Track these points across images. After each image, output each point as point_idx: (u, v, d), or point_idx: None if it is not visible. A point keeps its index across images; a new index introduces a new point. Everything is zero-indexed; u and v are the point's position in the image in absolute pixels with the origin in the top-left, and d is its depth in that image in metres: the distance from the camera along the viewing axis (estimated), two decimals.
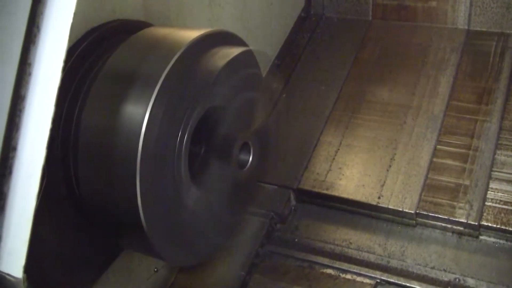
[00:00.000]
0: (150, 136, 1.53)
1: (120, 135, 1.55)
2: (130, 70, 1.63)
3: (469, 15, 3.23)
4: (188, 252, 1.84)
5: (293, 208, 2.69)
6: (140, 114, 1.53)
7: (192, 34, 1.69)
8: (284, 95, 3.11)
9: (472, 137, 2.71)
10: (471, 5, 3.21)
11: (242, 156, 1.92)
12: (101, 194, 1.65)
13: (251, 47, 1.94)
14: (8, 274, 1.09)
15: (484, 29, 3.23)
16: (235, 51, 1.80)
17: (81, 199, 1.70)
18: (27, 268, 1.08)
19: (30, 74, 1.08)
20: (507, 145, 2.66)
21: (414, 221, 2.51)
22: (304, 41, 3.42)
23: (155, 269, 2.32)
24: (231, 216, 1.99)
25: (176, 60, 1.59)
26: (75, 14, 1.05)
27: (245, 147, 1.91)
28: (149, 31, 1.82)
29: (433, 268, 2.36)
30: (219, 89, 1.77)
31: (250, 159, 1.94)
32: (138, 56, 1.67)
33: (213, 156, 1.82)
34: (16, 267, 1.07)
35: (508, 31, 3.17)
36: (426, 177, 2.58)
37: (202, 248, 1.90)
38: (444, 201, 2.49)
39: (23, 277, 1.08)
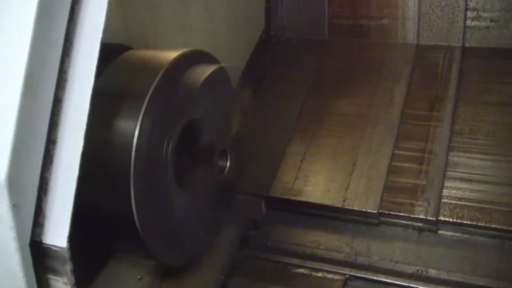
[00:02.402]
0: (141, 147, 1.68)
1: (114, 147, 1.70)
2: (120, 89, 1.78)
3: (418, 31, 3.38)
4: (179, 251, 1.98)
5: (264, 215, 2.80)
6: (132, 128, 1.67)
7: (171, 54, 1.85)
8: (250, 112, 3.21)
9: (426, 141, 2.84)
10: (418, 21, 3.37)
11: (221, 162, 2.07)
12: (98, 201, 1.76)
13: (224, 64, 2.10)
14: (54, 246, 1.27)
15: (432, 43, 3.38)
16: (211, 68, 1.96)
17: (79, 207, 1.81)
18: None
19: (66, 80, 1.29)
20: (458, 147, 2.80)
21: (378, 220, 2.63)
22: (266, 61, 3.53)
23: (139, 277, 2.38)
24: (215, 216, 2.13)
25: (161, 78, 1.74)
26: (104, 30, 1.26)
27: (223, 154, 2.06)
28: (132, 53, 1.97)
29: (397, 262, 2.48)
30: (199, 103, 1.93)
31: (228, 164, 2.09)
32: (126, 76, 1.82)
33: (196, 162, 1.96)
34: (60, 238, 1.26)
35: (454, 44, 3.33)
36: (386, 180, 2.70)
37: (191, 246, 2.04)
38: (404, 200, 2.62)
39: (67, 246, 1.26)
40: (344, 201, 2.68)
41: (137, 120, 1.68)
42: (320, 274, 2.50)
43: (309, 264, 2.55)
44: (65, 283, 1.34)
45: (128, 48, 2.08)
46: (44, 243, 1.33)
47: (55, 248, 1.29)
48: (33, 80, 1.26)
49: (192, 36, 2.68)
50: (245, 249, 2.67)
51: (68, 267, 1.31)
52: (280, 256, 2.60)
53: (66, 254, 1.28)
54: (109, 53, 1.94)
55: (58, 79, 1.31)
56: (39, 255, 1.35)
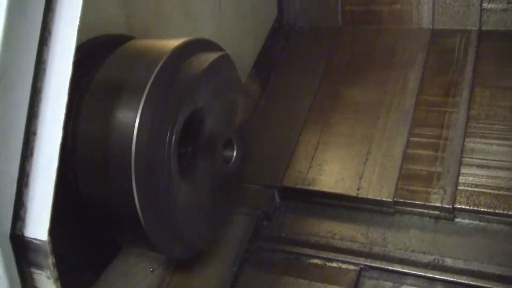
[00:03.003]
0: (142, 139, 1.65)
1: (114, 140, 1.67)
2: (119, 80, 1.74)
3: (433, 15, 3.34)
4: (183, 245, 1.95)
5: (278, 205, 2.78)
6: (132, 119, 1.64)
7: (173, 43, 1.82)
8: (262, 102, 3.20)
9: (441, 127, 2.80)
10: (433, 5, 3.32)
11: (227, 152, 2.04)
12: (99, 195, 1.75)
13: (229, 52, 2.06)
14: (35, 239, 1.25)
15: (447, 27, 3.33)
16: (213, 56, 1.92)
17: (80, 201, 1.78)
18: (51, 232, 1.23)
19: (44, 70, 1.26)
20: (474, 132, 2.76)
21: (393, 209, 2.59)
22: (279, 49, 3.51)
23: (151, 269, 2.39)
24: (220, 210, 2.10)
25: (161, 67, 1.71)
26: (81, 18, 1.23)
27: (229, 144, 2.03)
28: (133, 43, 1.95)
29: (413, 251, 2.44)
30: (202, 92, 1.89)
31: (234, 154, 2.05)
32: (126, 66, 1.79)
33: (200, 153, 1.92)
34: (41, 231, 1.23)
35: (470, 28, 3.29)
36: (401, 167, 2.66)
37: (195, 240, 2.00)
38: (419, 188, 2.58)
39: (48, 239, 1.24)
40: (358, 189, 2.65)
41: (137, 111, 1.65)
42: (334, 264, 2.48)
43: (323, 254, 2.52)
44: (48, 277, 1.32)
45: (130, 38, 2.05)
46: (26, 237, 1.30)
47: (37, 242, 1.26)
48: (8, 70, 1.22)
49: (197, 24, 2.64)
50: (258, 241, 2.64)
51: (50, 260, 1.29)
52: (294, 246, 2.58)
53: (48, 247, 1.26)
54: (110, 44, 1.94)
55: (37, 69, 1.27)
56: (20, 249, 1.33)
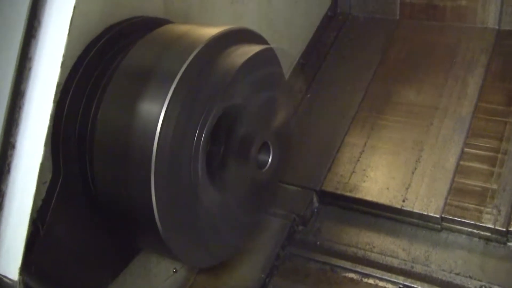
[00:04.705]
0: (166, 135, 1.52)
1: (136, 134, 1.55)
2: (147, 68, 1.62)
3: (500, 14, 3.17)
4: (205, 253, 1.83)
5: (315, 210, 2.68)
6: (156, 113, 1.52)
7: (211, 32, 1.68)
8: (308, 95, 3.10)
9: (501, 140, 2.66)
10: (502, 4, 3.15)
11: (262, 156, 1.90)
12: (116, 193, 1.64)
13: (274, 45, 1.92)
14: (5, 276, 1.08)
15: None
16: (255, 48, 1.78)
17: (97, 198, 1.70)
18: (24, 270, 1.06)
19: (30, 69, 1.06)
20: None
21: (439, 226, 2.47)
22: (330, 40, 3.40)
23: (174, 270, 2.31)
24: (250, 218, 1.97)
25: (194, 57, 1.58)
26: (75, 7, 1.03)
27: (264, 147, 1.89)
28: (168, 28, 1.81)
29: (458, 274, 2.32)
30: (238, 87, 1.74)
31: (270, 159, 1.91)
32: (155, 54, 1.66)
33: (232, 156, 1.79)
34: (12, 269, 1.06)
35: None
36: (453, 181, 2.54)
37: (219, 249, 1.88)
38: (470, 205, 2.45)
39: (19, 279, 1.06)
40: (403, 201, 2.54)
41: (164, 103, 1.52)
42: (371, 281, 2.37)
43: (360, 268, 2.41)
44: None
45: (167, 22, 1.93)
46: None
47: (6, 280, 1.08)
48: None
49: (244, 9, 2.53)
50: (291, 247, 2.54)
51: None
52: (329, 257, 2.48)
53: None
54: (143, 27, 1.83)
55: (20, 67, 1.06)
56: None
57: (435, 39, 3.26)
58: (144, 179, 1.52)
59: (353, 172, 2.69)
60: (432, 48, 3.21)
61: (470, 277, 2.30)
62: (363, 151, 2.76)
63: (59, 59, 1.03)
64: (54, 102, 1.03)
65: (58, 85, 1.08)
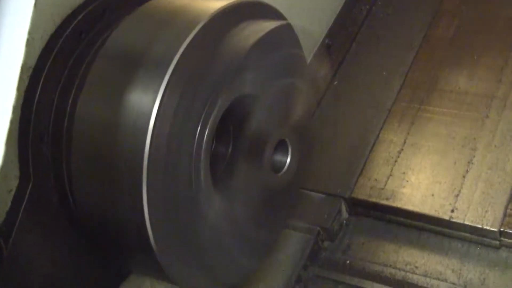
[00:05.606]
0: (161, 133, 1.51)
1: (123, 132, 1.54)
2: (137, 50, 1.61)
3: None
4: (210, 277, 1.83)
5: (344, 222, 2.72)
6: (148, 106, 1.51)
7: (215, 5, 1.67)
8: (335, 82, 3.12)
9: None
10: None
11: (278, 157, 1.91)
12: (99, 205, 1.64)
13: (293, 22, 1.91)
14: None
15: None
16: (269, 25, 1.77)
17: (76, 210, 1.69)
18: None
19: None
20: None
21: (498, 242, 2.48)
22: (362, 16, 3.43)
23: None
24: (264, 233, 1.97)
25: (195, 36, 1.56)
26: None
27: (281, 146, 1.90)
28: (163, 0, 1.80)
29: None
30: (249, 74, 1.74)
31: (288, 161, 1.91)
32: (147, 32, 1.65)
33: (242, 157, 1.80)
34: None
35: None
36: None
37: (227, 273, 1.89)
38: None
39: None
40: (452, 211, 2.54)
41: (157, 93, 1.51)
42: None
43: None
44: None
45: None
46: None
47: None
48: None
49: None
50: (315, 266, 2.59)
51: None
52: (360, 279, 2.54)
53: None
54: (134, 2, 1.81)
55: None
56: None
57: (492, 12, 3.25)
58: (133, 188, 1.51)
59: (390, 175, 2.71)
60: (488, 24, 3.21)
61: None
62: (402, 150, 2.79)
63: (24, 37, 1.01)
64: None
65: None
